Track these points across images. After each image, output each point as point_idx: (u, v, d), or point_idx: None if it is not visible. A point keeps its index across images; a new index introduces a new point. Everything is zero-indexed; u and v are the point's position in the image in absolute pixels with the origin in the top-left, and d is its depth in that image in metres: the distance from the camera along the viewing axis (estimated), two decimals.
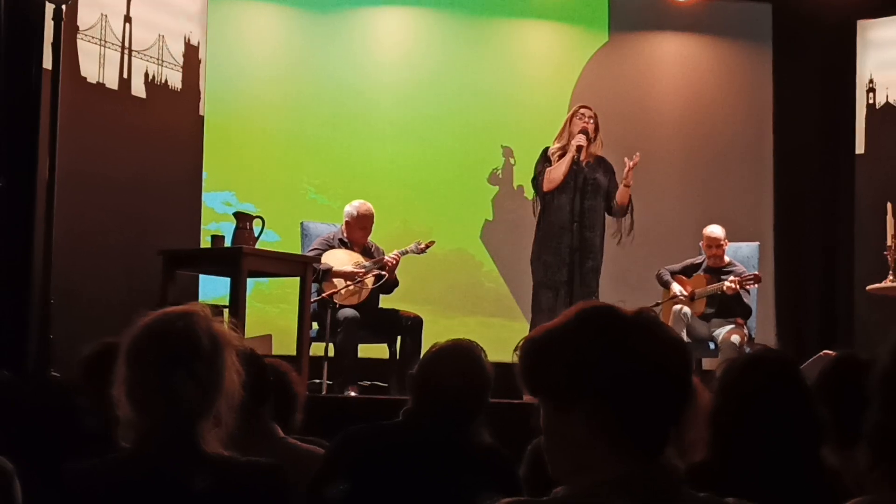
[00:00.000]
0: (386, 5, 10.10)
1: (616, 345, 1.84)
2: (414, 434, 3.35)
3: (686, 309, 8.35)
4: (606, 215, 8.05)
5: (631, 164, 7.84)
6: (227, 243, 7.16)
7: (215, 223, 9.04)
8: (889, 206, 8.25)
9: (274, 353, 8.47)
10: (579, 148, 7.86)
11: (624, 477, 1.82)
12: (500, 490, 3.24)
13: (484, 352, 3.51)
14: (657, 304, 8.36)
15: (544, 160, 8.02)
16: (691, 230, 9.18)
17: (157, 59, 8.62)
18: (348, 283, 7.81)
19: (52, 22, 7.06)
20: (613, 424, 1.83)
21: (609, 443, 1.83)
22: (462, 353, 3.46)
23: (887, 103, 9.73)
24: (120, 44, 8.34)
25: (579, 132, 7.92)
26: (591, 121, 8.01)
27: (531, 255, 8.02)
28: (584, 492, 1.83)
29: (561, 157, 7.93)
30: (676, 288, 8.48)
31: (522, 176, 9.56)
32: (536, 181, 8.02)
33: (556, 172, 7.88)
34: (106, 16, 8.23)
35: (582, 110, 8.08)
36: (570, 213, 7.83)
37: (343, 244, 8.08)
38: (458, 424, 3.35)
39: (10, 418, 3.19)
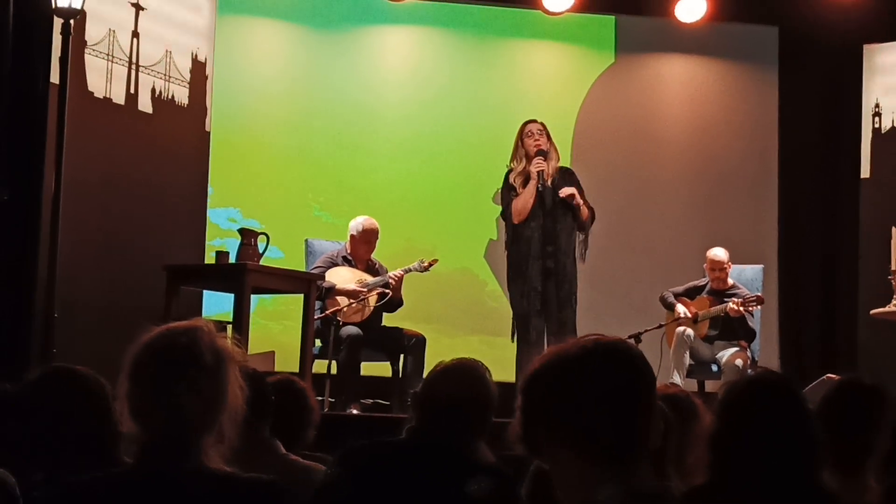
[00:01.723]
0: (392, 24, 10.12)
1: (610, 357, 2.00)
2: (417, 450, 3.35)
3: (689, 331, 8.33)
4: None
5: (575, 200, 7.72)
6: (232, 259, 7.17)
7: (220, 239, 9.06)
8: (894, 230, 8.25)
9: (276, 369, 8.47)
10: (539, 173, 7.71)
11: (620, 494, 1.85)
12: None
13: (488, 370, 3.52)
14: (660, 326, 8.34)
15: (509, 189, 7.83)
16: (695, 252, 9.17)
17: (164, 75, 8.65)
18: (351, 300, 7.82)
19: (59, 36, 7.10)
20: (608, 434, 1.94)
21: (602, 457, 1.93)
22: (467, 371, 3.47)
23: (893, 128, 9.74)
24: (127, 59, 8.36)
25: (536, 154, 7.75)
26: (542, 135, 7.85)
27: (507, 286, 7.93)
28: None
29: (524, 183, 7.76)
30: (681, 309, 8.46)
31: None
32: (505, 214, 7.87)
33: (523, 202, 7.71)
34: (114, 31, 8.26)
35: (529, 127, 7.89)
36: (542, 237, 7.67)
37: (347, 262, 8.09)
38: (462, 441, 3.35)
39: (10, 431, 3.19)
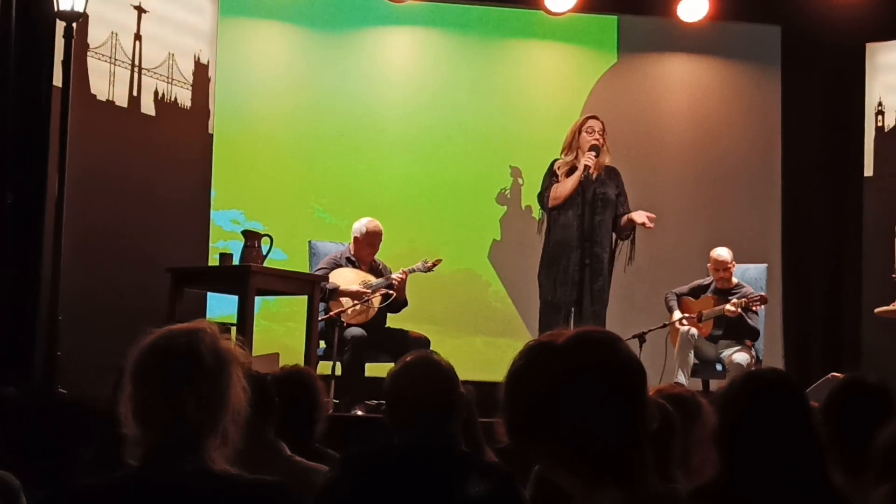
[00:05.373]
0: (395, 25, 10.13)
1: (603, 355, 1.85)
2: (416, 453, 3.34)
3: (693, 330, 8.33)
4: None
5: (644, 223, 7.76)
6: (236, 261, 7.17)
7: (223, 241, 9.07)
8: None
9: None
10: (586, 167, 7.71)
11: (625, 499, 1.82)
12: None
13: (439, 355, 3.52)
14: (665, 326, 8.34)
15: (551, 175, 7.87)
16: (699, 251, 9.17)
17: (167, 77, 8.65)
18: (355, 302, 7.82)
19: (62, 39, 7.11)
20: (608, 438, 1.82)
21: (600, 462, 1.83)
22: (418, 364, 3.45)
23: None
24: (130, 61, 8.37)
25: (589, 149, 7.75)
26: (602, 134, 7.82)
27: (538, 273, 7.94)
28: None
29: (569, 172, 7.78)
30: (677, 316, 8.43)
31: (531, 196, 9.55)
32: (542, 197, 7.91)
33: (563, 189, 7.72)
34: (116, 34, 8.26)
35: (591, 122, 7.88)
36: (580, 229, 7.66)
37: (350, 263, 8.09)
38: (441, 429, 3.33)
39: (16, 434, 3.20)
